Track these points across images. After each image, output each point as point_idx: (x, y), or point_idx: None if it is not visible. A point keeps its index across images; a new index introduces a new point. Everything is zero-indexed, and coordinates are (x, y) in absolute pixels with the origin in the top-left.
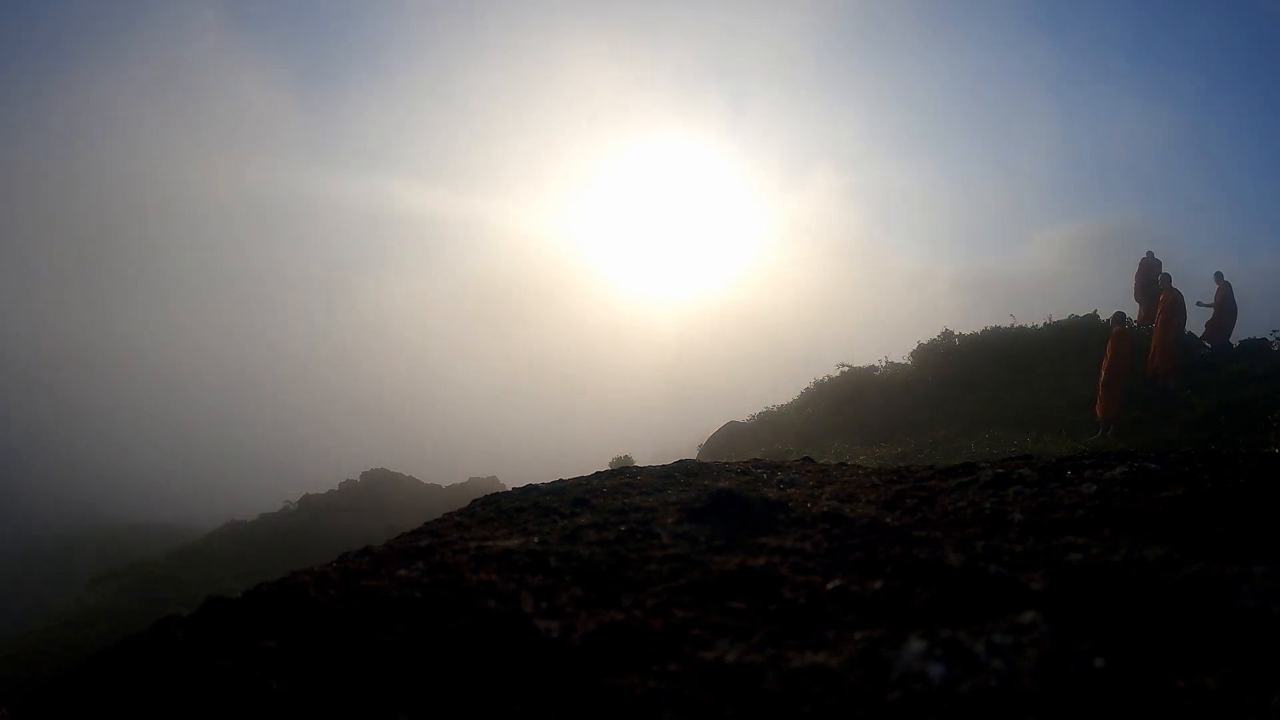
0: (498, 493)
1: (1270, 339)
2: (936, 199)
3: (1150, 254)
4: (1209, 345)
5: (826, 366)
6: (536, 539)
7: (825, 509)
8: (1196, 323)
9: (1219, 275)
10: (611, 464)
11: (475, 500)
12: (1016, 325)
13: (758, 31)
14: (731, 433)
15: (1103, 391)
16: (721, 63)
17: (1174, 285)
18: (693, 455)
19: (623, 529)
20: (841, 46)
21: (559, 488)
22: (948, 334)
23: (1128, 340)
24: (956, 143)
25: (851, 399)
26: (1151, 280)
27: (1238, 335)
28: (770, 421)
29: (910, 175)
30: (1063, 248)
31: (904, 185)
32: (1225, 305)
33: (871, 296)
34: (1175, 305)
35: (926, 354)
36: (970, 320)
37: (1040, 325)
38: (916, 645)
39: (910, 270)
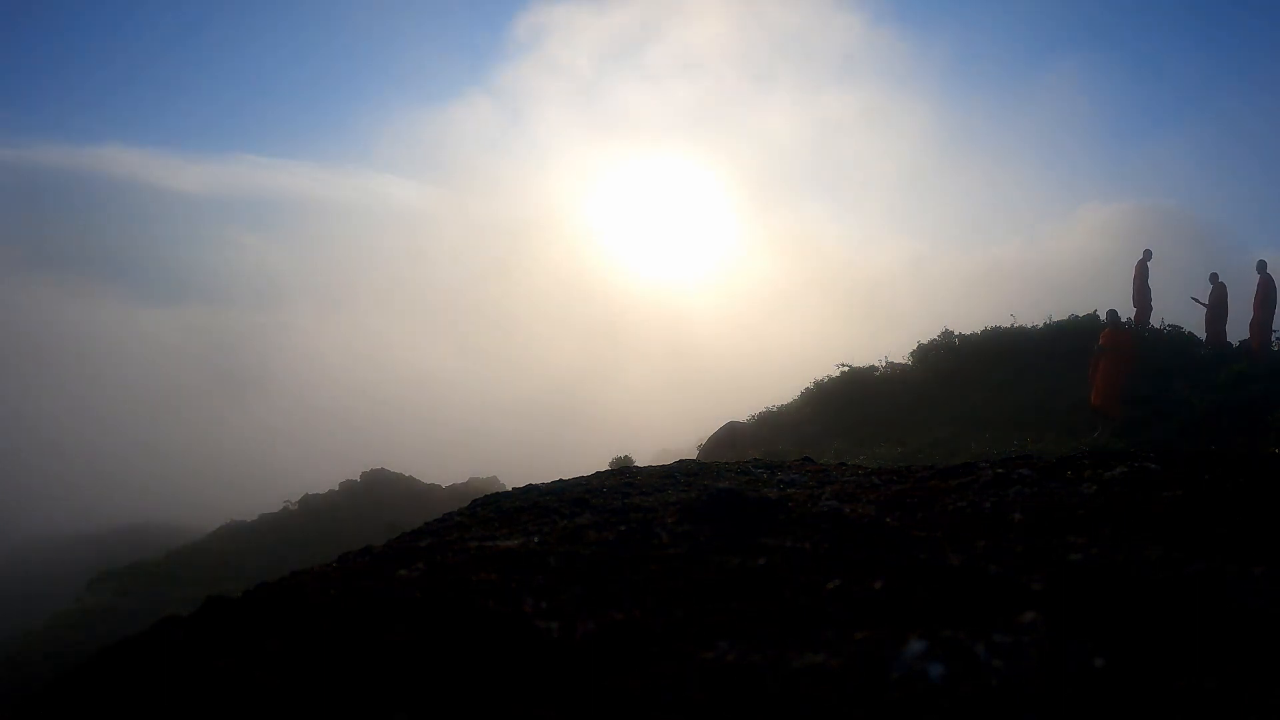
0: (498, 493)
1: (1270, 339)
2: (943, 179)
3: (1147, 254)
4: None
5: (826, 366)
6: (537, 539)
7: (825, 509)
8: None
9: (1262, 264)
10: (611, 464)
11: (475, 500)
12: (1016, 325)
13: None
14: (731, 433)
15: (1100, 383)
16: (723, 53)
17: (1267, 271)
18: (693, 455)
19: (623, 529)
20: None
21: (559, 488)
22: (948, 334)
23: (1126, 336)
24: (966, 119)
25: (851, 399)
26: (1147, 282)
27: (1234, 335)
28: (770, 421)
29: (918, 148)
30: (1097, 232)
31: (912, 158)
32: (1218, 305)
33: (875, 293)
34: (1268, 291)
35: (926, 354)
36: (993, 314)
37: (1040, 325)
38: (916, 645)
39: (916, 260)
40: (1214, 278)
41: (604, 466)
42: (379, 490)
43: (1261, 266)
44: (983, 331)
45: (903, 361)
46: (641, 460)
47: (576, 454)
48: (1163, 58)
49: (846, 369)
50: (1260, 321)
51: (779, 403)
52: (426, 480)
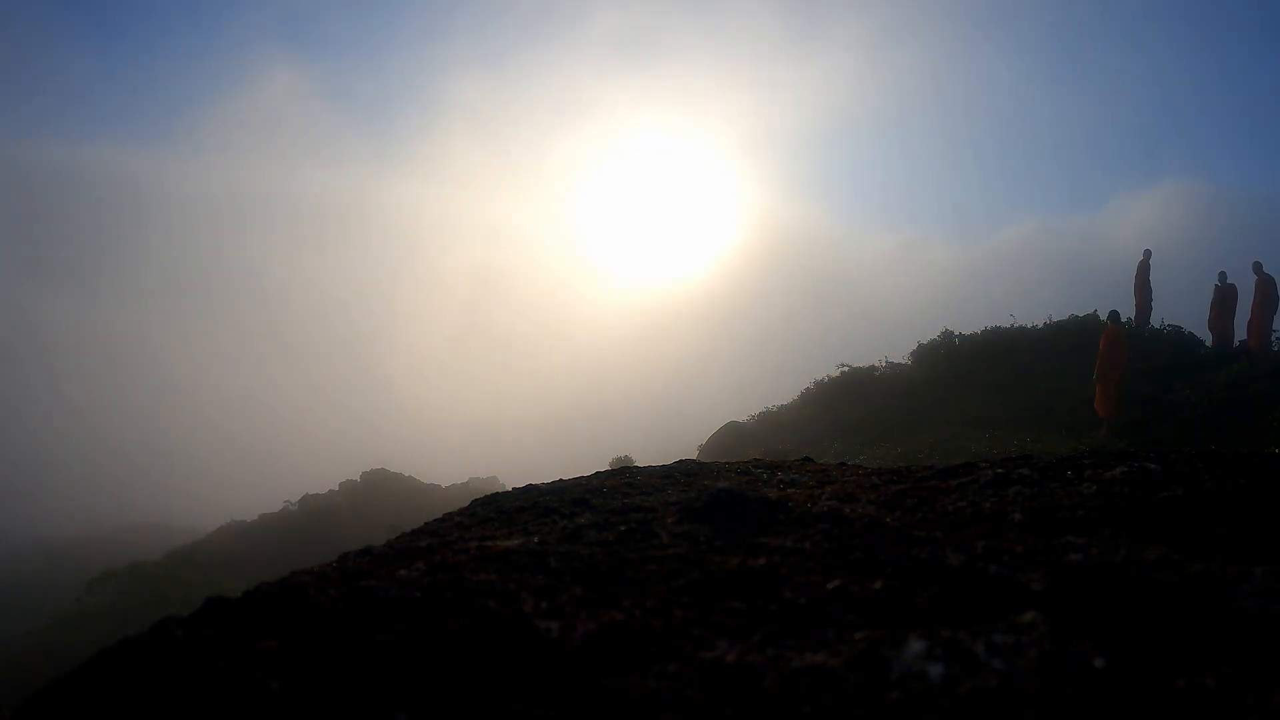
0: (498, 493)
1: (1270, 339)
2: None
3: (1147, 254)
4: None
5: (827, 366)
6: (536, 539)
7: (825, 509)
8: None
9: (1258, 265)
10: (611, 464)
11: (475, 500)
12: (1016, 325)
13: None
14: (731, 433)
15: (1099, 388)
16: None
17: (1265, 271)
18: (693, 455)
19: (623, 529)
20: None
21: (559, 488)
22: (948, 334)
23: (1122, 337)
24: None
25: (851, 399)
26: (1147, 281)
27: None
28: (770, 421)
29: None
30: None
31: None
32: (1223, 304)
33: (883, 286)
34: (1270, 290)
35: (926, 354)
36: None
37: (1040, 325)
38: (916, 645)
39: (922, 246)
40: (1223, 276)
41: (604, 466)
42: (379, 490)
43: (1258, 267)
44: (983, 331)
45: (903, 361)
46: (641, 460)
47: (579, 453)
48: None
49: (846, 369)
50: (1260, 322)
51: (779, 403)
52: (426, 480)
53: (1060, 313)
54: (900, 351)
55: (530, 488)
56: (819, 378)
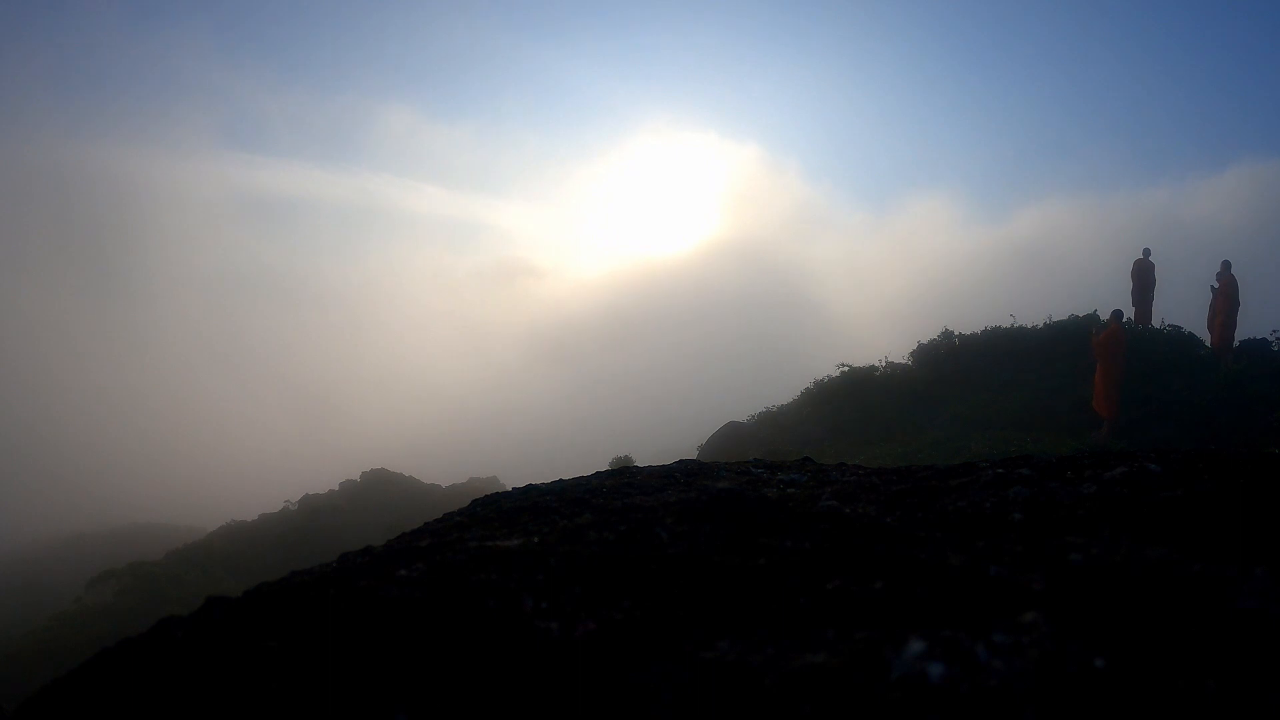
0: (498, 493)
1: (1270, 339)
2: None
3: (1146, 253)
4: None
5: (827, 366)
6: (536, 539)
7: (825, 509)
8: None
9: (1226, 264)
10: (611, 464)
11: (475, 500)
12: (1016, 325)
13: None
14: (731, 433)
15: (1100, 388)
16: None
17: (1231, 271)
18: (693, 455)
19: (623, 529)
20: None
21: (559, 488)
22: (948, 334)
23: (1122, 338)
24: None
25: (851, 399)
26: (1147, 281)
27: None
28: (770, 421)
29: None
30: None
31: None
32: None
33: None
34: (1232, 290)
35: (926, 354)
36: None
37: (1040, 325)
38: (916, 645)
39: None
40: (1226, 266)
41: (604, 466)
42: (379, 490)
43: (1226, 267)
44: (983, 331)
45: (903, 361)
46: (641, 460)
47: (579, 453)
48: None
49: (846, 369)
50: (1223, 321)
51: (779, 403)
52: (426, 480)
53: (1067, 309)
54: (900, 352)
55: (530, 488)
56: (819, 378)
